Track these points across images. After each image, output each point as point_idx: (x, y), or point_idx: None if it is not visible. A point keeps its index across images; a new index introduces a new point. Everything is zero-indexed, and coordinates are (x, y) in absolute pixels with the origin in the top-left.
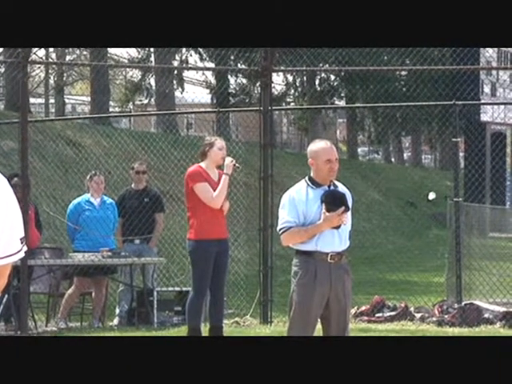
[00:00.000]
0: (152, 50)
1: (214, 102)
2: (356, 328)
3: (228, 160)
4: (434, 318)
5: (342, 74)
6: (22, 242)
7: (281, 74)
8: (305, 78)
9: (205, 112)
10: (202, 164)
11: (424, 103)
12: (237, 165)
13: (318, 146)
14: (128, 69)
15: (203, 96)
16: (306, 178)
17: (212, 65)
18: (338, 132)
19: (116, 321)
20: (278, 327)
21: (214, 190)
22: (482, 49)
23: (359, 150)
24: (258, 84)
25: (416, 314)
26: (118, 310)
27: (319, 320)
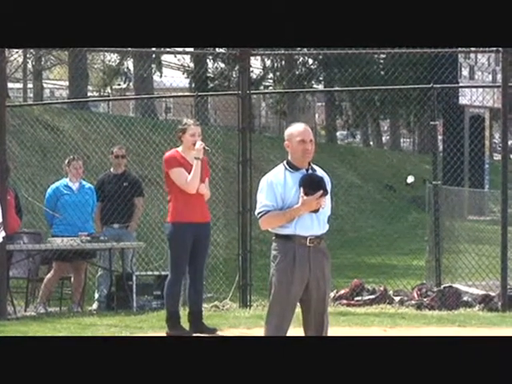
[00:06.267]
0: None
1: (193, 86)
2: (335, 311)
3: (198, 144)
4: (413, 302)
5: (320, 57)
6: None
7: (259, 57)
8: (283, 62)
9: (183, 96)
10: (179, 148)
11: (402, 86)
12: (206, 148)
13: (292, 128)
14: (106, 53)
15: (181, 80)
16: (284, 161)
17: (190, 49)
18: (316, 116)
19: (95, 305)
20: (258, 311)
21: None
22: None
23: (338, 133)
24: (236, 68)
25: (395, 298)
26: (97, 295)
27: (298, 303)
